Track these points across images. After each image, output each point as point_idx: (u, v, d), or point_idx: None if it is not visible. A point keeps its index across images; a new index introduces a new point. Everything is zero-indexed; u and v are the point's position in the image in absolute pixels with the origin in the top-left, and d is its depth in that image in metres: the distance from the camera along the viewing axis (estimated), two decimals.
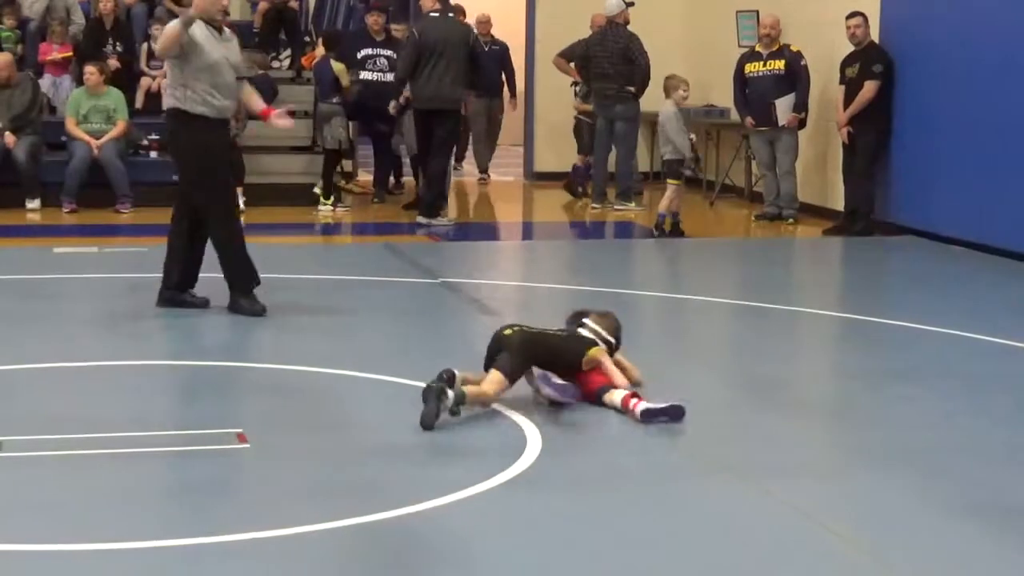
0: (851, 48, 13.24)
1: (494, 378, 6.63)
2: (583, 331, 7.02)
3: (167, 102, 8.96)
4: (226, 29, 9.07)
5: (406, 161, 15.81)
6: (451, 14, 13.59)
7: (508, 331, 6.81)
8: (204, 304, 9.05)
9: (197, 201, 8.94)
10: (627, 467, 6.02)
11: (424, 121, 13.45)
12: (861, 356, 8.46)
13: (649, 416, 6.50)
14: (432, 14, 13.37)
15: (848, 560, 4.94)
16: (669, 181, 13.00)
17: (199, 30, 8.71)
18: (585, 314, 7.17)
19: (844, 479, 5.91)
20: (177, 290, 9.06)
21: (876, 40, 13.19)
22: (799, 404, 7.10)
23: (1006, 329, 8.68)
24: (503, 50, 17.24)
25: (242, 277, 8.98)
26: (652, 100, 15.28)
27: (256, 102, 9.37)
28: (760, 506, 5.48)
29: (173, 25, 8.66)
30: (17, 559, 4.78)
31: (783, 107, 13.80)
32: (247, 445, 6.10)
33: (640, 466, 6.04)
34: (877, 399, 7.28)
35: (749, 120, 14.03)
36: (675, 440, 6.41)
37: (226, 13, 9.00)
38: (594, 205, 14.97)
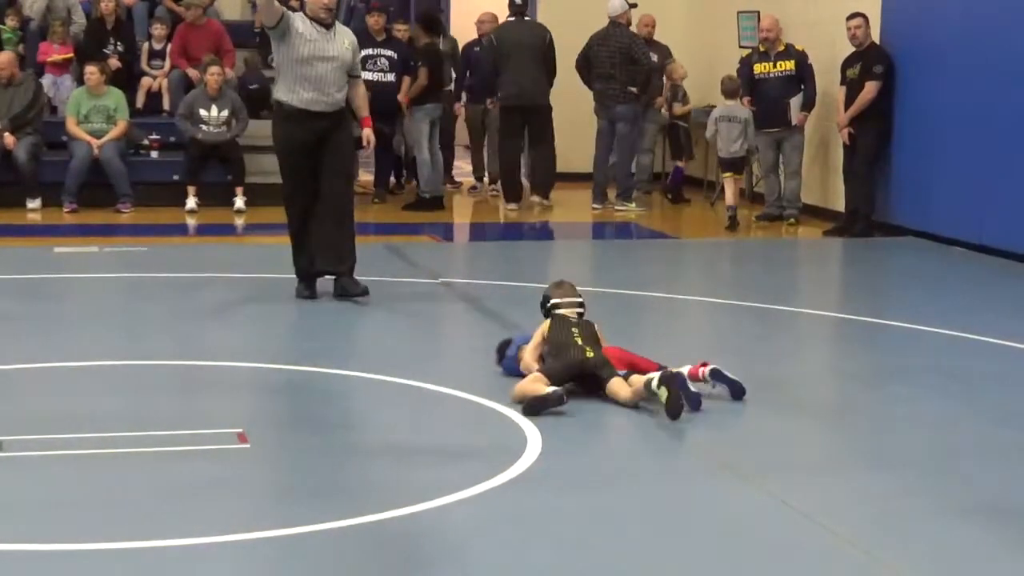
0: (852, 49, 13.24)
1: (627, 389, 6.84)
2: (562, 312, 7.21)
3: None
4: (339, 26, 9.36)
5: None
6: (527, 17, 14.96)
7: (590, 353, 6.93)
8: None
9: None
10: (627, 467, 6.03)
11: (512, 117, 14.81)
12: (861, 357, 8.46)
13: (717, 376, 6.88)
14: (509, 19, 14.93)
15: (847, 560, 4.94)
16: (736, 176, 13.81)
17: (301, 24, 9.07)
18: (546, 300, 7.35)
19: (844, 479, 5.91)
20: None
21: (877, 41, 13.19)
22: (799, 404, 7.10)
23: (1006, 330, 8.68)
24: None
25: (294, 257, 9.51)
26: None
27: (362, 107, 9.59)
28: (760, 506, 5.48)
29: None
30: (17, 559, 4.78)
31: (796, 105, 13.85)
32: (247, 445, 6.10)
33: (640, 466, 6.05)
34: (877, 400, 7.28)
35: (747, 99, 14.04)
36: (676, 440, 6.42)
37: (329, 10, 9.19)
38: (594, 206, 14.96)
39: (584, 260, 12.37)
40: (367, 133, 9.63)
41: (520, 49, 14.63)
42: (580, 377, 6.88)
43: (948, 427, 6.69)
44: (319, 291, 9.45)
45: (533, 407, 6.56)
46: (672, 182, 15.90)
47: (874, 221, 13.21)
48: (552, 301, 7.31)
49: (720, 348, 7.69)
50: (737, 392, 6.89)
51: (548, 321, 7.18)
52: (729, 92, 13.92)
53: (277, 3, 9.09)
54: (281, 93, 9.18)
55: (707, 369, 6.91)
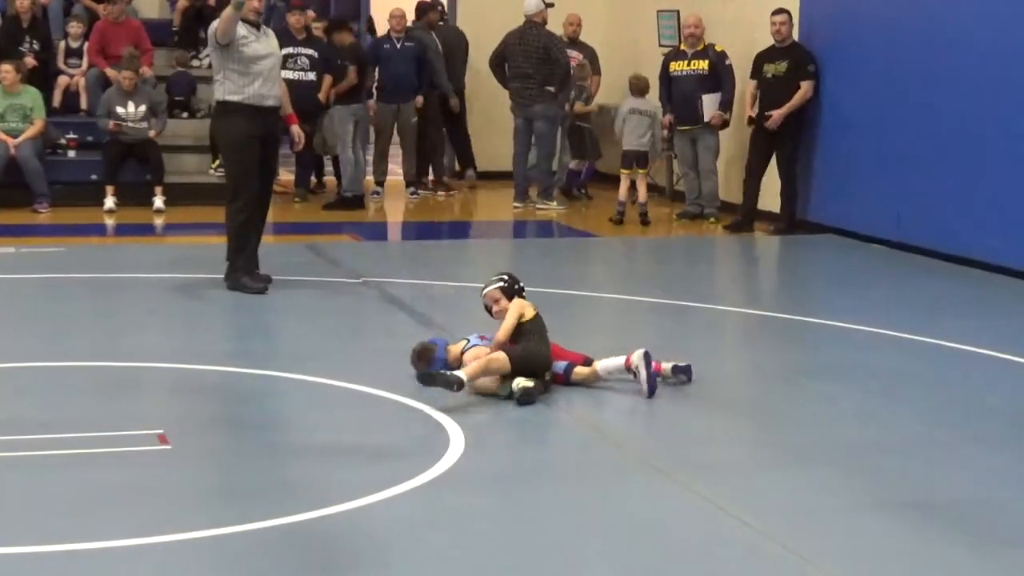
0: (767, 44, 13.31)
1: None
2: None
3: (215, 94, 9.83)
4: (263, 26, 9.83)
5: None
6: (449, 22, 16.87)
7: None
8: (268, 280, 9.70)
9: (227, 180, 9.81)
10: (550, 465, 6.04)
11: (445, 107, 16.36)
12: (781, 354, 8.51)
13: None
14: (439, 24, 16.55)
15: (770, 556, 4.97)
16: (641, 172, 13.85)
17: (238, 26, 9.44)
18: (516, 282, 7.33)
19: (767, 476, 5.94)
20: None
21: (796, 38, 13.27)
22: (720, 402, 7.14)
23: (923, 326, 8.77)
24: (417, 48, 15.54)
25: (235, 253, 9.56)
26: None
27: (286, 104, 9.96)
28: (683, 503, 5.51)
29: (227, 10, 9.37)
30: None
31: (709, 103, 13.87)
32: (168, 446, 6.05)
33: (563, 464, 6.06)
34: (797, 396, 7.34)
35: (667, 119, 14.15)
36: (598, 437, 6.44)
37: (259, 13, 9.70)
38: (516, 204, 14.97)
39: (506, 259, 12.36)
40: (295, 130, 10.04)
41: (451, 50, 16.29)
42: (528, 374, 6.86)
43: (866, 424, 6.75)
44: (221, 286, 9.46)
45: (429, 379, 6.66)
46: (569, 183, 15.90)
47: (795, 219, 13.29)
48: (521, 284, 7.31)
49: (644, 346, 7.71)
50: (652, 390, 6.91)
51: (529, 304, 7.16)
52: (637, 90, 14.07)
53: (234, 12, 9.40)
54: (229, 93, 9.52)
55: (668, 366, 7.08)
